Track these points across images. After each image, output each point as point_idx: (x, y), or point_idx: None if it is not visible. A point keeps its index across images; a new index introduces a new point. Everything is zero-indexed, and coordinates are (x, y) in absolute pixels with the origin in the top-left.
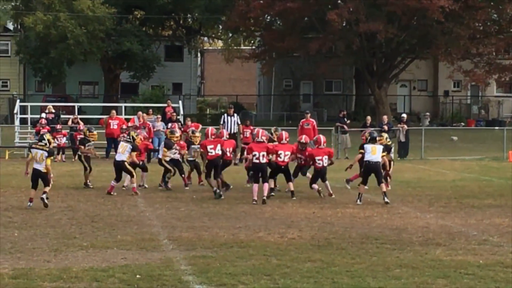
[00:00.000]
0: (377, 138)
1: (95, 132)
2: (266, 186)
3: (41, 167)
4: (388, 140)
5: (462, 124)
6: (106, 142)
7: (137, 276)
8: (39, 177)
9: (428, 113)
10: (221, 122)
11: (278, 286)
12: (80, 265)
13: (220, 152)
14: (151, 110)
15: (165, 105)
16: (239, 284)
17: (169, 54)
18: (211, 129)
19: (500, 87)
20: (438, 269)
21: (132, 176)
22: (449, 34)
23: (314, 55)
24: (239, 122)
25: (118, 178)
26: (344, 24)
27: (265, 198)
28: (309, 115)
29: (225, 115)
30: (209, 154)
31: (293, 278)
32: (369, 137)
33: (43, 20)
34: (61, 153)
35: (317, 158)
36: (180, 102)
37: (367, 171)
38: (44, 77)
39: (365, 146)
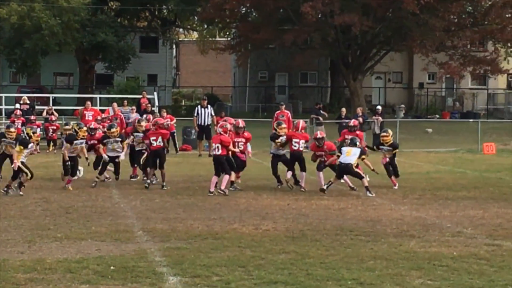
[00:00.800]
0: (384, 134)
1: (84, 129)
2: (303, 175)
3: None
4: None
5: (437, 116)
6: None
7: (111, 267)
8: None
9: (403, 105)
10: (195, 114)
11: (252, 277)
12: (54, 256)
13: (161, 144)
14: (126, 101)
15: (140, 96)
16: (213, 276)
17: (144, 46)
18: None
19: (475, 80)
20: (412, 260)
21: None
22: (424, 26)
23: (289, 47)
24: (213, 114)
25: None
26: (319, 16)
27: (324, 187)
28: (283, 106)
29: (199, 106)
30: (152, 145)
31: (268, 269)
32: (349, 142)
33: (17, 11)
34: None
35: (294, 140)
36: (155, 93)
37: (340, 172)
38: (18, 68)
39: (342, 148)
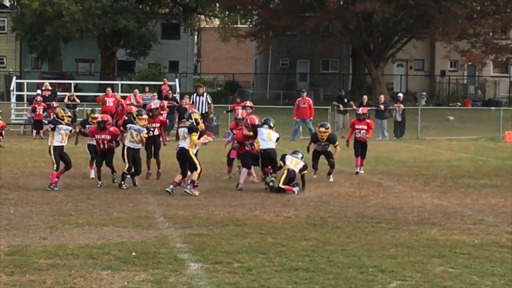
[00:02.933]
0: (322, 130)
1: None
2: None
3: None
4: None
5: (459, 104)
6: None
7: (133, 253)
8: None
9: (424, 93)
10: (190, 102)
11: (274, 264)
12: (75, 242)
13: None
14: (147, 88)
15: (161, 83)
16: (235, 262)
17: (165, 32)
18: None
19: (497, 67)
20: (433, 248)
21: None
22: (446, 13)
23: (310, 34)
24: (210, 102)
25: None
26: (341, 3)
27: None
28: (305, 94)
29: (194, 95)
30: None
31: (289, 256)
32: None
33: None
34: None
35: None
36: (176, 80)
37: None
38: (39, 55)
39: (260, 129)
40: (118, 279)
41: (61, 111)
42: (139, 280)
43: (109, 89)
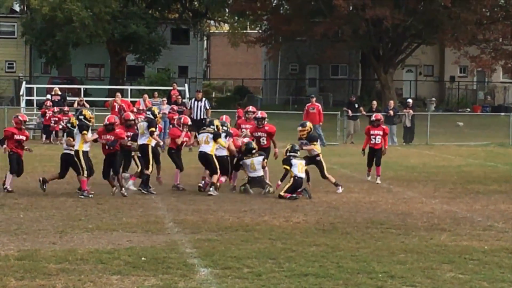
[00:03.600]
0: (300, 129)
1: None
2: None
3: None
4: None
5: (468, 109)
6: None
7: (143, 258)
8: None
9: (434, 99)
10: (189, 107)
11: (283, 269)
12: (85, 247)
13: None
14: (156, 93)
15: (171, 88)
16: (244, 268)
17: (175, 37)
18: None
19: (506, 73)
20: (443, 254)
21: None
22: (456, 19)
23: (320, 39)
24: (208, 107)
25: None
26: (351, 9)
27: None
28: (314, 99)
29: (193, 100)
30: None
31: (298, 262)
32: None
33: (49, 2)
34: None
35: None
36: (186, 85)
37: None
38: (48, 59)
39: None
40: (128, 284)
41: (88, 112)
42: (149, 285)
43: (118, 93)
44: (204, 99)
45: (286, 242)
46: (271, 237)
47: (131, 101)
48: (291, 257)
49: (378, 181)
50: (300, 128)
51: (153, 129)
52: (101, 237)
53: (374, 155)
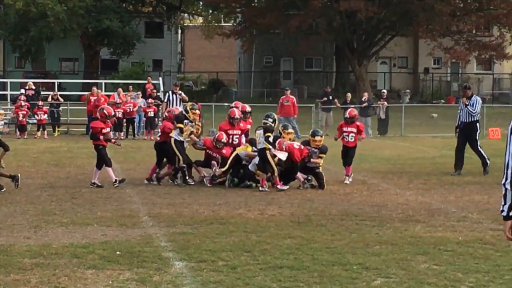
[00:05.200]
0: (317, 139)
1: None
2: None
3: None
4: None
5: (442, 101)
6: (86, 119)
7: (117, 252)
8: None
9: (408, 90)
10: (165, 100)
11: (258, 262)
12: (60, 241)
13: None
14: (131, 86)
15: (145, 81)
16: (219, 261)
17: (149, 31)
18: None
19: (480, 65)
20: (417, 245)
21: None
22: (430, 11)
23: (294, 32)
24: (183, 96)
25: None
26: (325, 1)
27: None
28: (289, 92)
29: (170, 92)
30: None
31: (273, 254)
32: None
33: None
34: (41, 129)
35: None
36: (160, 78)
37: None
38: (22, 54)
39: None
40: (102, 278)
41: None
42: (124, 279)
43: (94, 88)
44: (181, 91)
45: (261, 235)
46: (246, 230)
47: (105, 95)
48: (266, 249)
49: (347, 181)
50: (318, 137)
51: (181, 125)
52: (76, 232)
53: (347, 154)
